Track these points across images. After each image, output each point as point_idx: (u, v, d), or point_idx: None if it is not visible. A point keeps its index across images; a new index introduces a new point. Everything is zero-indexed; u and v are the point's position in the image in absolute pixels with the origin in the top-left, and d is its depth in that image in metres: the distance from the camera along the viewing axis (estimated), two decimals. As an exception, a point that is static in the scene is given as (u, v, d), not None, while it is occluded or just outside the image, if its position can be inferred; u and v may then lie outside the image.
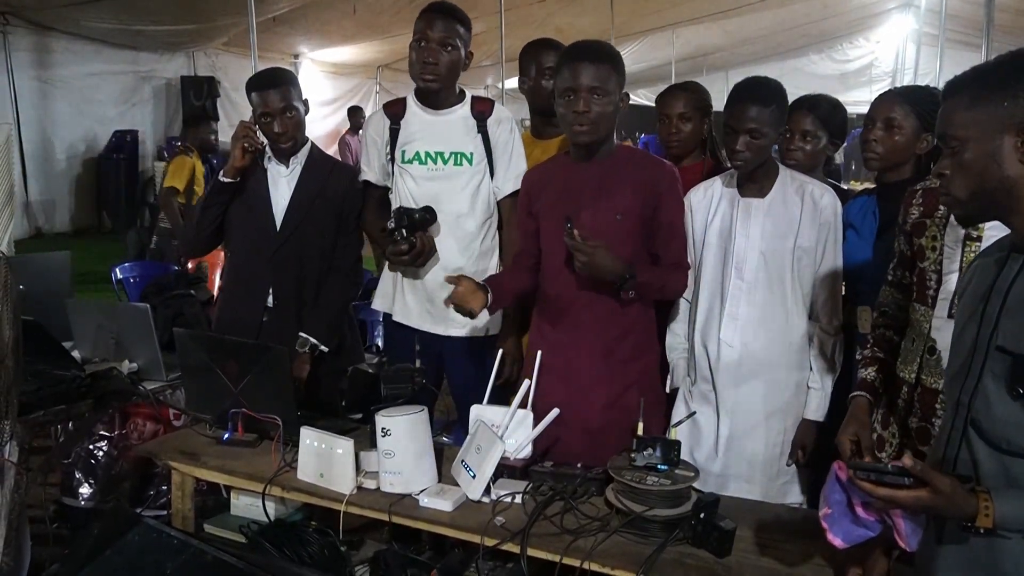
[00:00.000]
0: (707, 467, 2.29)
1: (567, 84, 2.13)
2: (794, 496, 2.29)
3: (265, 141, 2.74)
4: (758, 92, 2.19)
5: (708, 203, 2.35)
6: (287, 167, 2.76)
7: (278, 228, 2.72)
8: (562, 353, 2.24)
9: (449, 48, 2.49)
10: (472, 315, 2.18)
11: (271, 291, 2.74)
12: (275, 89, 2.64)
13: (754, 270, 2.25)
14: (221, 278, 2.92)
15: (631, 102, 2.36)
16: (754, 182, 2.27)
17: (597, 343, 2.23)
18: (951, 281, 1.87)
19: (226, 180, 2.70)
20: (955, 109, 1.32)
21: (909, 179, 2.26)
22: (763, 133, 2.16)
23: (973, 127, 1.29)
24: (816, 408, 2.26)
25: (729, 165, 2.50)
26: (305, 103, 2.74)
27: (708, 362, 2.32)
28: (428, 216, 2.51)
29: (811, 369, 2.28)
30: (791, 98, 2.37)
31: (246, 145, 2.65)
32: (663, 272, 2.24)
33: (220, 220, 2.76)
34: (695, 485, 1.89)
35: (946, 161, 1.34)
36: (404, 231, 2.48)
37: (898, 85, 2.56)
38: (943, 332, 1.85)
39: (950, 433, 1.38)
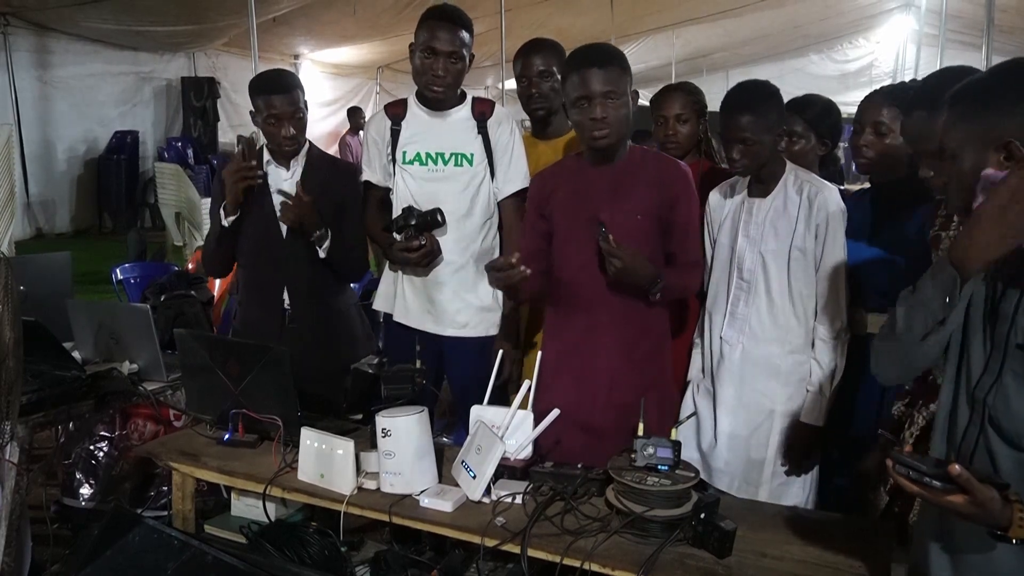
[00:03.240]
0: (709, 462, 2.32)
1: (579, 92, 2.11)
2: (792, 497, 2.28)
3: (263, 141, 2.74)
4: (746, 101, 2.20)
5: (723, 203, 2.38)
6: (287, 170, 2.75)
7: (285, 234, 2.71)
8: (578, 354, 2.24)
9: (456, 59, 2.50)
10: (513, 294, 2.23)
11: (286, 295, 2.74)
12: (285, 94, 2.63)
13: (753, 270, 2.27)
14: (236, 290, 2.88)
15: (630, 103, 2.35)
16: (760, 182, 2.29)
17: (615, 345, 2.23)
18: None
19: (230, 220, 2.68)
20: (950, 122, 1.37)
21: (903, 178, 2.25)
22: (756, 140, 2.17)
23: (964, 141, 1.34)
24: (810, 411, 2.24)
25: (723, 165, 2.51)
26: (306, 105, 2.74)
27: (711, 359, 2.35)
28: (439, 219, 2.51)
29: (810, 372, 2.26)
30: (790, 98, 2.37)
31: (247, 184, 2.64)
32: (683, 272, 2.26)
33: (234, 246, 2.77)
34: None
35: (948, 169, 1.39)
36: (413, 229, 2.49)
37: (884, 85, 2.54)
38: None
39: (967, 428, 1.38)
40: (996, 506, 1.21)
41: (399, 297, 2.67)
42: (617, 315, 2.22)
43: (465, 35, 2.51)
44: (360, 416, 2.61)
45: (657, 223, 2.22)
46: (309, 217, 2.62)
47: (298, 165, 2.75)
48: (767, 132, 2.19)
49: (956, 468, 1.20)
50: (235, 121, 12.19)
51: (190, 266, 5.35)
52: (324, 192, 2.74)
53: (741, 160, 2.21)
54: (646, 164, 2.25)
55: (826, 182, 2.29)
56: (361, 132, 9.14)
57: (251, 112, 2.71)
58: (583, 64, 2.13)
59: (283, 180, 2.75)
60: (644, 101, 2.87)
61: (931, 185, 1.80)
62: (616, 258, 2.05)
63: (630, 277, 2.10)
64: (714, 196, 2.42)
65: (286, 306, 2.75)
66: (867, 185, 2.48)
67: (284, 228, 2.72)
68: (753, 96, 2.22)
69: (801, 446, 2.25)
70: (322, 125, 12.74)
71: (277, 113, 2.63)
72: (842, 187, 2.49)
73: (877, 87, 2.47)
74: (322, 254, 2.71)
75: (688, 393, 2.43)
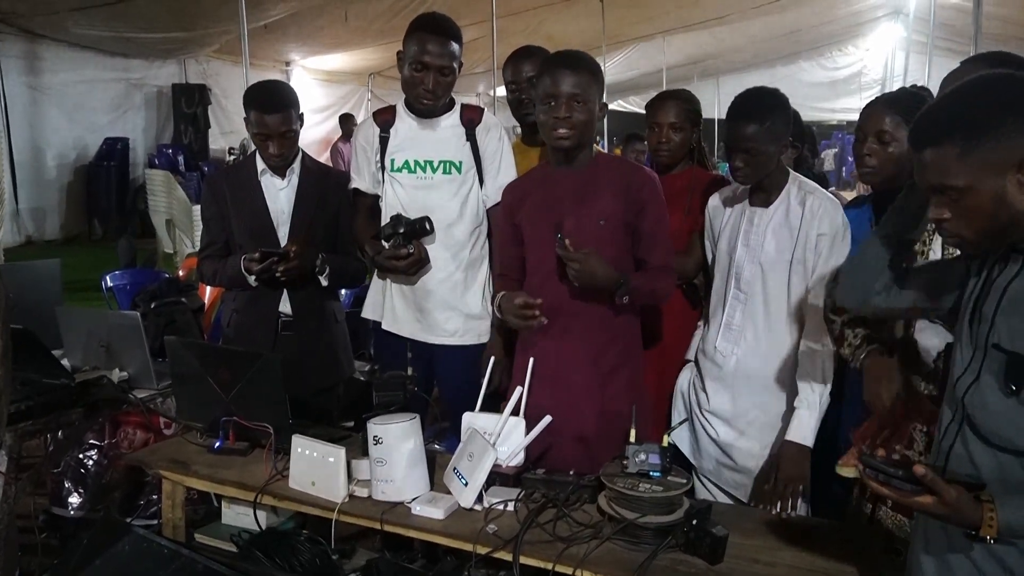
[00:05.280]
0: (702, 470, 2.31)
1: (548, 91, 2.14)
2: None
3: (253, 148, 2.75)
4: (751, 110, 2.18)
5: (723, 210, 2.37)
6: (283, 179, 2.75)
7: (284, 243, 2.71)
8: (551, 360, 2.24)
9: (446, 73, 2.50)
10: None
11: (290, 305, 2.74)
12: (275, 113, 2.63)
13: (751, 281, 2.25)
14: (232, 297, 2.86)
15: (623, 109, 2.36)
16: (761, 191, 2.27)
17: (586, 350, 2.23)
18: None
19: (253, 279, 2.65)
20: (947, 159, 1.29)
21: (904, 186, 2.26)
22: (760, 150, 2.16)
23: (971, 175, 1.27)
24: (797, 428, 2.14)
25: (715, 172, 2.51)
26: (301, 118, 2.74)
27: (706, 367, 2.34)
28: (428, 227, 2.51)
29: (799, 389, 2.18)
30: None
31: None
32: (651, 276, 2.24)
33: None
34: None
35: (943, 209, 1.32)
36: (401, 237, 2.48)
37: (885, 92, 2.54)
38: (925, 333, 1.89)
39: (947, 427, 1.40)
40: (965, 505, 1.22)
41: (388, 305, 2.67)
42: (585, 321, 2.22)
43: (455, 47, 2.50)
44: (352, 423, 2.61)
45: (623, 228, 2.22)
46: (308, 261, 2.65)
47: (293, 174, 2.76)
48: (772, 142, 2.17)
49: (920, 469, 1.22)
50: (226, 128, 12.18)
51: (181, 273, 5.33)
52: (320, 204, 2.75)
53: (744, 169, 2.19)
54: (612, 170, 2.26)
55: (831, 196, 2.26)
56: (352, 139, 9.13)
57: (244, 119, 2.71)
58: (556, 66, 2.16)
59: (278, 189, 2.76)
60: (637, 109, 2.87)
61: None
62: (574, 262, 2.07)
63: (590, 280, 2.11)
64: (714, 202, 2.42)
65: (279, 311, 2.74)
66: (852, 193, 2.50)
67: (282, 235, 2.73)
68: (759, 105, 2.20)
69: (789, 467, 2.13)
70: (314, 132, 12.72)
71: (266, 132, 2.63)
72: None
73: (867, 94, 2.49)
74: (324, 282, 2.72)
75: (684, 379, 2.43)
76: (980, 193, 1.28)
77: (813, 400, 2.15)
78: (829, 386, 2.16)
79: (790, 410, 2.22)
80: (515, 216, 2.33)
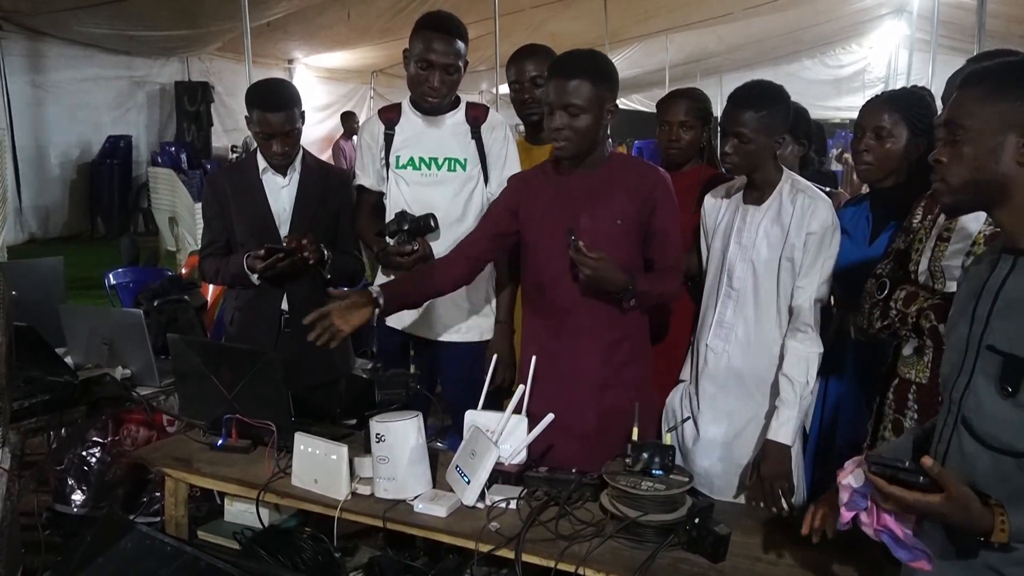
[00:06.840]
0: (694, 468, 2.30)
1: (547, 99, 2.15)
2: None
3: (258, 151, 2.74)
4: (749, 97, 2.18)
5: (718, 208, 2.36)
6: (284, 177, 2.76)
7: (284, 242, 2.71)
8: (559, 359, 2.24)
9: (451, 71, 2.50)
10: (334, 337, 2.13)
11: (287, 303, 2.73)
12: (278, 112, 2.62)
13: (742, 279, 2.25)
14: (235, 295, 2.86)
15: (626, 107, 2.35)
16: (755, 188, 2.26)
17: (594, 349, 2.22)
18: (920, 278, 1.92)
19: (256, 278, 2.66)
20: (969, 99, 1.34)
21: (902, 184, 2.25)
22: (751, 138, 2.15)
23: (981, 119, 1.31)
24: (777, 427, 2.12)
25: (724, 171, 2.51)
26: (302, 116, 2.73)
27: (696, 364, 2.34)
28: (432, 224, 2.51)
29: (781, 387, 2.15)
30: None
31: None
32: (658, 278, 2.23)
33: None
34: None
35: (946, 149, 1.36)
36: (406, 234, 2.49)
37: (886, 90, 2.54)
38: None
39: (942, 430, 1.40)
40: (975, 508, 1.21)
41: (392, 302, 2.66)
42: (596, 320, 2.21)
43: (460, 45, 2.50)
44: (354, 421, 2.61)
45: (637, 228, 2.21)
46: (317, 252, 2.65)
47: (294, 172, 2.76)
48: (764, 133, 2.16)
49: (928, 460, 1.21)
50: (229, 126, 12.18)
51: (183, 271, 5.34)
52: (321, 202, 2.75)
53: (732, 156, 2.19)
54: (626, 170, 2.25)
55: (822, 195, 2.25)
56: (355, 137, 9.13)
57: (246, 117, 2.71)
58: (551, 73, 2.16)
59: (280, 187, 2.76)
60: (640, 107, 2.87)
61: None
62: (585, 265, 2.06)
63: (600, 284, 2.10)
64: (708, 200, 2.41)
65: (282, 309, 2.74)
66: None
67: (284, 233, 2.73)
68: (759, 94, 2.20)
69: (770, 468, 2.11)
70: (316, 130, 12.72)
71: (269, 131, 2.63)
72: (826, 189, 2.47)
73: (870, 92, 2.49)
74: (327, 274, 2.73)
75: (676, 396, 2.42)
76: (979, 140, 1.31)
77: (793, 399, 2.12)
78: (811, 386, 2.14)
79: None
80: (518, 208, 2.30)
